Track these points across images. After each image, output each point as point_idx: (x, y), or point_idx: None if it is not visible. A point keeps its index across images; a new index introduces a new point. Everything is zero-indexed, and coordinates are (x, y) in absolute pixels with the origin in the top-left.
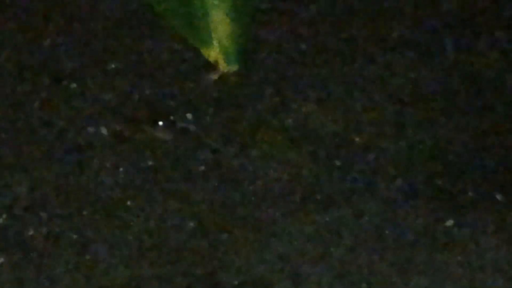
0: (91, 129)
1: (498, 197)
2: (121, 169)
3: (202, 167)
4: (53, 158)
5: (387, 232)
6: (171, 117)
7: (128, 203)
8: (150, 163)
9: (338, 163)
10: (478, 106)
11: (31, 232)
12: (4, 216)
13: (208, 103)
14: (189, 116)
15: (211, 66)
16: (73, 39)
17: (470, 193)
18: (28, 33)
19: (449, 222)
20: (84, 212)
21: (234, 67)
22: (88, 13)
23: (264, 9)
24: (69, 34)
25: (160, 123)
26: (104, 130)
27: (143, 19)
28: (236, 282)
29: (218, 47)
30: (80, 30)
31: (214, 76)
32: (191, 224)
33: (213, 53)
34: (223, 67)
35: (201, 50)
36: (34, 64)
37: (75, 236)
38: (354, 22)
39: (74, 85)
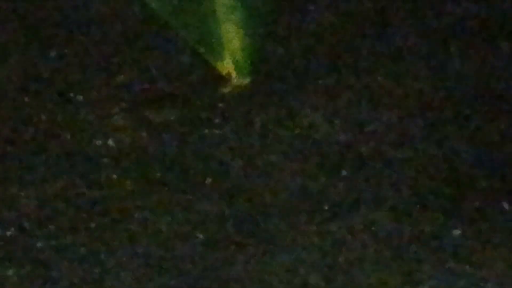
0: (98, 142)
1: (505, 206)
2: (128, 181)
3: (210, 179)
4: (60, 171)
5: (394, 242)
6: (179, 129)
7: (136, 215)
8: (157, 175)
9: (344, 173)
10: (484, 115)
11: (39, 245)
12: (13, 229)
13: (216, 114)
14: (197, 128)
15: (222, 79)
16: (80, 51)
17: (477, 203)
18: (34, 46)
19: (457, 232)
20: (92, 225)
21: (246, 80)
22: (96, 25)
23: (272, 21)
24: (76, 46)
25: (168, 134)
26: (111, 142)
27: (151, 32)
28: None
29: (231, 61)
30: (87, 43)
31: (226, 89)
32: (199, 235)
33: (225, 67)
34: (235, 80)
35: (214, 64)
36: (41, 76)
37: (83, 249)
38: (359, 33)
39: (80, 98)
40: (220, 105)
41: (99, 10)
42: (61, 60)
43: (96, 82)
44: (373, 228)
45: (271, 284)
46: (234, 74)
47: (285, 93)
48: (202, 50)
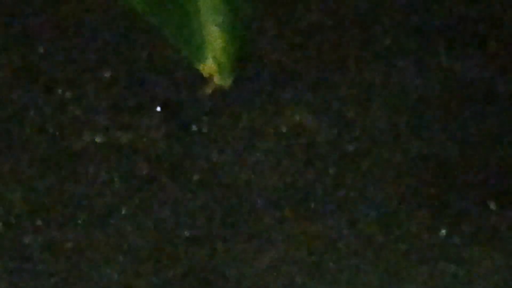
0: (85, 137)
1: (492, 206)
2: (116, 177)
3: (197, 176)
4: (47, 166)
5: (380, 241)
6: (166, 126)
7: (123, 211)
8: (145, 171)
9: (331, 171)
10: (472, 114)
11: (26, 240)
12: (0, 224)
13: (203, 111)
14: (184, 124)
15: (205, 80)
16: (67, 47)
17: (463, 202)
18: (21, 41)
19: (443, 232)
20: (79, 221)
21: (228, 81)
22: (82, 21)
23: (258, 18)
24: (63, 42)
25: (155, 131)
26: (99, 138)
27: (138, 28)
28: None
29: (213, 62)
30: (75, 38)
31: (208, 90)
32: (186, 233)
33: (207, 68)
34: (217, 82)
35: (195, 64)
36: (28, 72)
37: (70, 244)
38: (347, 30)
39: (68, 94)
40: (207, 102)
41: (87, 6)
42: (48, 56)
43: (84, 78)
44: (359, 227)
45: (258, 281)
46: (216, 76)
47: (272, 91)
48: (184, 50)
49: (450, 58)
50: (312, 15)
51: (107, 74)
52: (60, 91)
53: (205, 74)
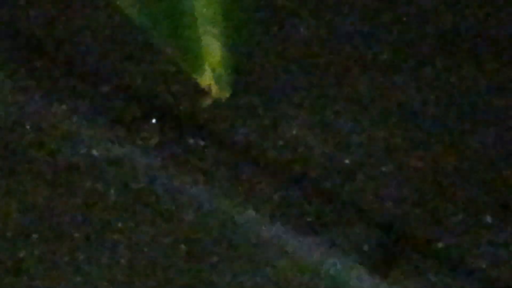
0: (82, 151)
1: (488, 219)
2: (112, 191)
3: (193, 189)
4: (43, 180)
5: (377, 255)
6: (162, 140)
7: (119, 225)
8: (141, 185)
9: (328, 185)
10: (467, 128)
11: (22, 255)
12: None
13: (199, 125)
14: (180, 138)
15: (203, 92)
16: (64, 60)
17: (460, 215)
18: (20, 55)
19: (440, 245)
20: (75, 234)
21: (226, 94)
22: (80, 35)
23: (255, 32)
24: (61, 55)
25: (152, 144)
26: (95, 152)
27: (135, 42)
28: None
29: (211, 74)
30: (72, 52)
31: (206, 102)
32: (183, 246)
33: (205, 80)
34: (215, 93)
35: (193, 76)
36: (25, 85)
37: (66, 258)
38: (343, 45)
39: (64, 107)
40: (204, 115)
41: (85, 19)
42: (45, 69)
43: (80, 91)
44: (355, 242)
45: None
46: (214, 88)
47: (268, 105)
48: (181, 62)
49: (447, 73)
50: (308, 29)
51: (104, 88)
52: (56, 104)
53: (203, 86)
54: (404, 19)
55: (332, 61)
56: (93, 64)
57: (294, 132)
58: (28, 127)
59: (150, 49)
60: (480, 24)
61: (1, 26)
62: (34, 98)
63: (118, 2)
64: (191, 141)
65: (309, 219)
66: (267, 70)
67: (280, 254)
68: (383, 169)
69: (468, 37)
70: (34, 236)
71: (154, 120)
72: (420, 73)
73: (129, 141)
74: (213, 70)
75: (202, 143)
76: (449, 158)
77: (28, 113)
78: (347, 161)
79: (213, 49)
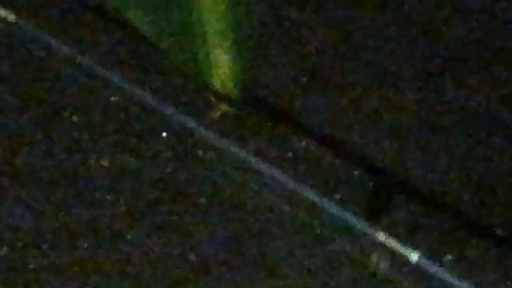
0: (92, 161)
1: (498, 232)
2: (121, 201)
3: (204, 200)
4: (53, 190)
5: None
6: (172, 151)
7: (129, 236)
8: (151, 195)
9: (338, 196)
10: (476, 141)
11: (32, 264)
12: (6, 248)
13: (209, 136)
14: (189, 150)
15: (213, 104)
16: (74, 71)
17: (470, 228)
18: (30, 66)
19: (448, 257)
20: (85, 245)
21: (234, 105)
22: (90, 46)
23: (264, 45)
24: (71, 67)
25: (162, 155)
26: (105, 162)
27: (145, 53)
28: None
29: (220, 86)
30: (82, 63)
31: (215, 114)
32: (192, 257)
33: (214, 91)
34: (224, 107)
35: (202, 89)
36: (36, 96)
37: (76, 268)
38: (353, 57)
39: (75, 118)
40: (214, 126)
41: (94, 31)
42: (56, 81)
43: (91, 103)
44: (365, 252)
45: None
46: (223, 100)
47: (278, 116)
48: (191, 74)
49: (455, 87)
50: (317, 42)
51: (113, 99)
52: (66, 115)
53: (212, 98)
54: (413, 32)
55: (341, 74)
56: (102, 75)
57: (303, 143)
58: (38, 137)
59: (158, 60)
60: (490, 39)
61: (11, 40)
62: (43, 109)
63: (128, 15)
64: (200, 152)
65: (318, 231)
66: (275, 82)
67: (289, 266)
68: (392, 181)
69: (478, 51)
70: (44, 246)
71: (164, 134)
72: (429, 86)
73: (138, 153)
74: (222, 82)
75: (210, 155)
76: (457, 171)
77: (38, 124)
78: (356, 172)
79: (222, 62)
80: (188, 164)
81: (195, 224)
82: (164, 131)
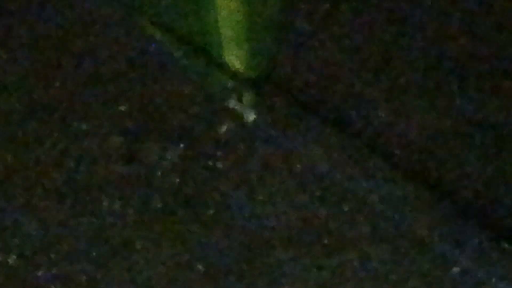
0: (100, 170)
1: (505, 245)
2: (130, 210)
3: (212, 210)
4: (62, 199)
5: (392, 277)
6: (181, 160)
7: (137, 245)
8: (159, 205)
9: (346, 208)
10: (484, 151)
11: (40, 273)
12: (14, 256)
13: (218, 146)
14: (199, 159)
15: (227, 114)
16: (83, 81)
17: (476, 240)
18: (39, 75)
19: (456, 269)
20: (93, 253)
21: (251, 117)
22: (99, 55)
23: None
24: (79, 75)
25: (170, 165)
26: (113, 171)
27: (153, 62)
28: None
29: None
30: (91, 72)
31: (230, 125)
32: (200, 266)
33: (230, 60)
34: (239, 116)
35: (218, 59)
36: (45, 105)
37: (84, 277)
38: (362, 68)
39: (84, 126)
40: (223, 138)
41: (103, 39)
42: (65, 90)
43: (99, 111)
44: (371, 263)
45: None
46: (238, 110)
47: (286, 128)
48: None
49: (464, 98)
50: (328, 52)
51: (122, 108)
52: (75, 124)
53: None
54: (423, 43)
55: (351, 84)
56: (111, 83)
57: (312, 154)
58: (46, 146)
59: (167, 70)
60: (500, 51)
61: (21, 46)
62: (52, 117)
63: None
64: (209, 163)
65: (325, 241)
66: (285, 93)
67: (296, 276)
68: (401, 193)
69: (487, 63)
70: (52, 254)
71: (173, 141)
72: (438, 97)
73: (147, 162)
74: (236, 52)
75: (220, 165)
76: (464, 183)
77: (47, 132)
78: (365, 184)
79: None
80: (196, 174)
81: (203, 234)
82: (173, 141)
